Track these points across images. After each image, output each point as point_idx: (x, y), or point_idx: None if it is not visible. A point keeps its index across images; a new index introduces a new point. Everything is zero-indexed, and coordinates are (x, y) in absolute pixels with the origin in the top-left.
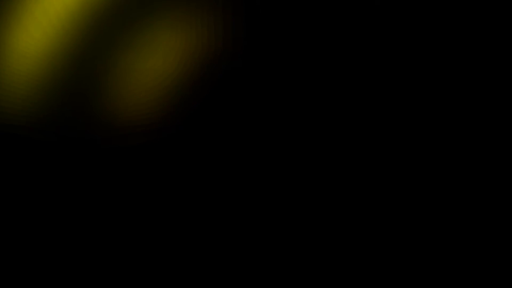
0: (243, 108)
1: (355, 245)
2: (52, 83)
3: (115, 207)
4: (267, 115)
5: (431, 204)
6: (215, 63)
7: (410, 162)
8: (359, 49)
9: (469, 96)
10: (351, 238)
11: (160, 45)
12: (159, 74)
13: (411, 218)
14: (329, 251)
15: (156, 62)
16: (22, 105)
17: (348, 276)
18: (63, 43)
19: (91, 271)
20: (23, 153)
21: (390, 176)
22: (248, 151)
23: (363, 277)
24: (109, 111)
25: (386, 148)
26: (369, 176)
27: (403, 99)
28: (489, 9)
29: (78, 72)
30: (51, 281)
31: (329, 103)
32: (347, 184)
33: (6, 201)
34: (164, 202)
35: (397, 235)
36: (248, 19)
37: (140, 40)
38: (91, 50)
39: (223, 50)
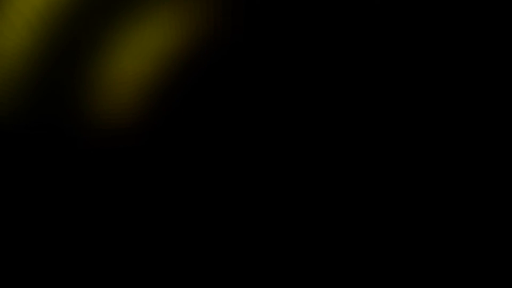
0: (226, 108)
1: (355, 245)
2: (33, 81)
3: (95, 208)
4: (252, 116)
5: (431, 204)
6: (197, 63)
7: (410, 161)
8: (358, 45)
9: (469, 96)
10: (351, 238)
11: (142, 46)
12: (141, 75)
13: (411, 218)
14: (328, 251)
15: (139, 63)
16: (3, 103)
17: (348, 276)
18: (45, 42)
19: (67, 270)
20: (2, 150)
21: (390, 176)
22: (236, 151)
23: (363, 277)
24: (90, 111)
25: (385, 148)
26: (368, 175)
27: (403, 99)
28: (489, 9)
29: (59, 71)
30: (31, 279)
31: (325, 105)
32: (339, 180)
33: None
34: (146, 203)
35: (397, 235)
36: (233, 20)
37: (122, 40)
38: (72, 50)
39: (206, 50)
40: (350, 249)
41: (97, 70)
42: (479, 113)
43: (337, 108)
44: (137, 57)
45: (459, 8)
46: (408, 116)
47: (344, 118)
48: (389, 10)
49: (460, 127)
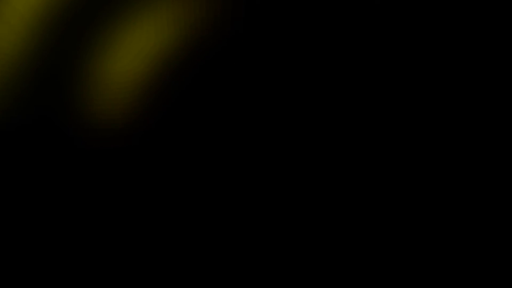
0: (224, 106)
1: (354, 245)
2: (28, 80)
3: (90, 207)
4: (246, 115)
5: (431, 204)
6: (195, 59)
7: (410, 162)
8: (357, 42)
9: (469, 96)
10: (350, 238)
11: (140, 45)
12: (139, 74)
13: (411, 218)
14: (328, 251)
15: (136, 62)
16: None
17: (348, 276)
18: (40, 41)
19: (57, 270)
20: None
21: (390, 176)
22: (233, 150)
23: (363, 277)
24: (87, 111)
25: (385, 148)
26: (368, 175)
27: (403, 99)
28: (489, 9)
29: (55, 69)
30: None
31: (325, 101)
32: (331, 180)
33: None
34: (142, 203)
35: (397, 235)
36: (222, 19)
37: (119, 40)
38: (64, 51)
39: (205, 44)
40: (350, 249)
41: (94, 69)
42: (479, 113)
43: (336, 105)
44: (134, 56)
45: (459, 8)
46: (408, 116)
47: (342, 113)
48: (389, 10)
49: (460, 127)
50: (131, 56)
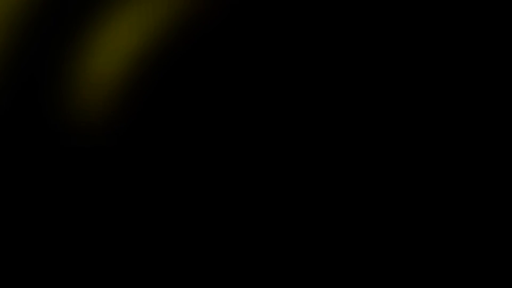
0: (199, 104)
1: (355, 245)
2: (3, 78)
3: (72, 204)
4: (229, 113)
5: (431, 204)
6: (161, 62)
7: (409, 161)
8: (356, 44)
9: (469, 96)
10: (351, 238)
11: (115, 44)
12: (106, 74)
13: (411, 218)
14: (328, 251)
15: (110, 61)
16: None
17: (348, 276)
18: (15, 42)
19: (42, 268)
20: None
21: (390, 176)
22: (212, 147)
23: (363, 277)
24: (67, 108)
25: (385, 147)
26: (368, 175)
27: (403, 99)
28: (489, 9)
29: (24, 71)
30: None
31: (322, 101)
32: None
33: None
34: (121, 199)
35: (397, 235)
36: (200, 18)
37: (86, 41)
38: (46, 50)
39: (171, 48)
40: (350, 249)
41: (76, 67)
42: (479, 113)
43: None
44: (116, 54)
45: (459, 8)
46: (408, 116)
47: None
48: (389, 10)
49: (460, 127)
50: (113, 54)
